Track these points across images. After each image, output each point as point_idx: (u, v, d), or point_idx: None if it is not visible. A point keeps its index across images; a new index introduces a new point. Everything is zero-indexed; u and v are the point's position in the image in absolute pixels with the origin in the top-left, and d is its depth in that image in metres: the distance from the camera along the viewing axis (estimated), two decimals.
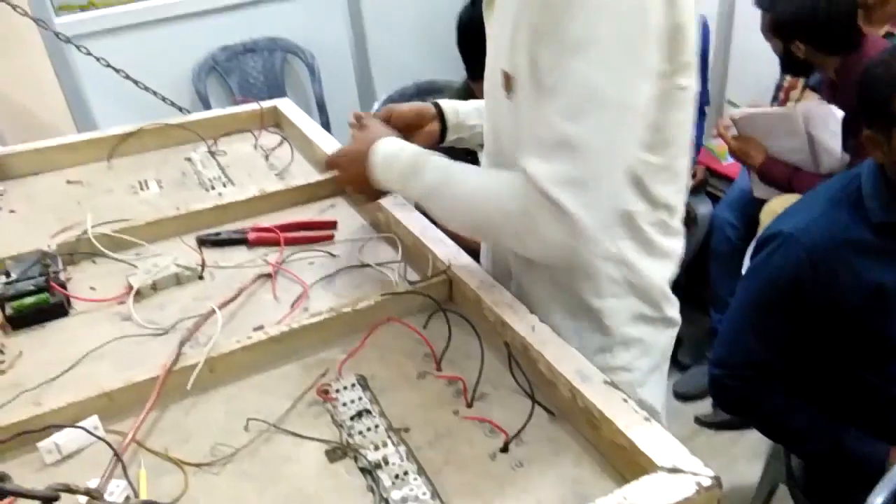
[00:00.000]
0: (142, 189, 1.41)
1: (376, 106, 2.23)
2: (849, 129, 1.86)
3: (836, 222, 1.28)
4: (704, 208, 2.37)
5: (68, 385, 0.90)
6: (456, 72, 1.95)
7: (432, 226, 1.14)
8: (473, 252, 1.11)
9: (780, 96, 2.34)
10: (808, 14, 1.82)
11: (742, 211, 2.24)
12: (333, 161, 1.13)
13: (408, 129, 1.12)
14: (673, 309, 1.04)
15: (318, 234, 1.19)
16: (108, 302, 1.07)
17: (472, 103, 1.18)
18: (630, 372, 1.02)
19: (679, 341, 1.12)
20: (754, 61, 2.65)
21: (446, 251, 1.07)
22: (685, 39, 0.80)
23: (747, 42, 2.68)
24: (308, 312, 1.02)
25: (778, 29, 1.92)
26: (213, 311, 1.00)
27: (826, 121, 1.88)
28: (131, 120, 1.70)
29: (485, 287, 0.97)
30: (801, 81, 2.27)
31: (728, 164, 2.51)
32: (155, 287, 1.09)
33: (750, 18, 2.61)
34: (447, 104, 1.17)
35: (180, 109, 1.63)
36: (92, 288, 1.11)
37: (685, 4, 0.78)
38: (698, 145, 2.45)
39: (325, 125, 3.03)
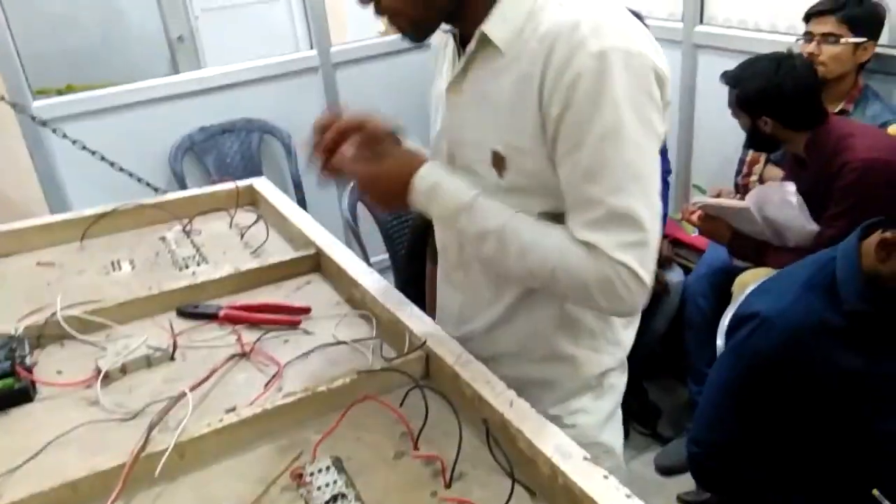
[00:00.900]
0: (114, 269, 1.40)
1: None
2: (817, 201, 1.91)
3: (811, 307, 1.30)
4: (676, 278, 2.39)
5: (31, 475, 0.87)
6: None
7: (409, 302, 1.14)
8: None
9: (744, 170, 2.41)
10: (774, 90, 1.89)
11: (713, 281, 2.27)
12: (365, 181, 0.99)
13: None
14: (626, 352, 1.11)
15: (288, 318, 1.18)
16: (74, 386, 1.04)
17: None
18: (591, 415, 1.08)
19: (658, 413, 1.14)
20: (717, 136, 2.75)
21: (423, 327, 1.06)
22: (666, 114, 0.90)
23: (710, 117, 2.79)
24: (282, 392, 1.00)
25: (745, 105, 1.97)
26: (184, 394, 0.97)
27: (783, 201, 1.93)
28: (106, 201, 1.69)
29: (462, 362, 0.97)
30: (763, 156, 2.35)
31: (695, 235, 2.56)
32: (124, 370, 1.07)
33: (712, 93, 2.73)
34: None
35: (155, 190, 1.63)
36: (59, 372, 1.08)
37: (668, 85, 0.87)
38: (664, 215, 2.50)
39: (301, 202, 3.05)
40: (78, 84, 2.79)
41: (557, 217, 0.91)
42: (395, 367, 0.98)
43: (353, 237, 2.18)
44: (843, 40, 2.06)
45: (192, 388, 0.99)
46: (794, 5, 2.24)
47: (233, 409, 0.96)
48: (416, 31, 0.94)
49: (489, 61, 0.91)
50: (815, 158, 1.89)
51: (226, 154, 2.93)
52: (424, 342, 1.01)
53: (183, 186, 2.81)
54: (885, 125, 2.05)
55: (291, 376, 1.05)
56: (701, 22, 2.72)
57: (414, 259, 2.01)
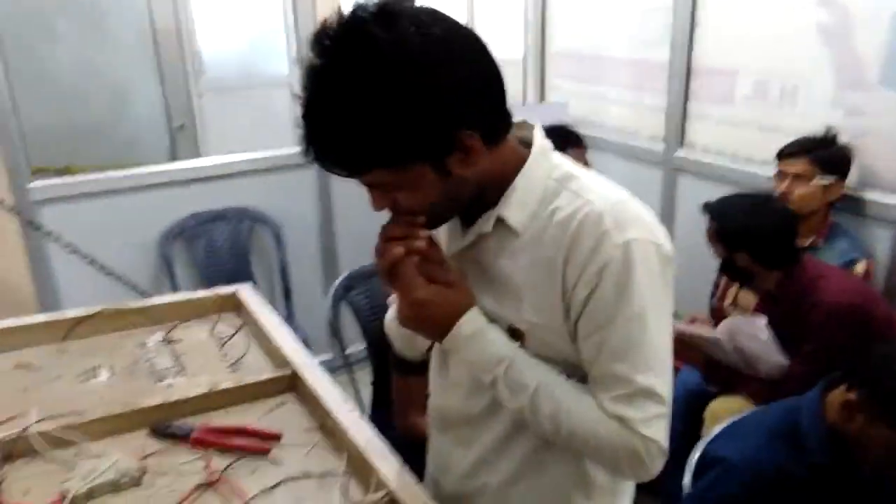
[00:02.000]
0: (92, 377, 1.41)
1: (336, 283, 2.29)
2: (787, 336, 1.96)
3: (774, 456, 1.34)
4: None
5: None
6: None
7: (378, 437, 1.16)
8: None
9: (718, 293, 2.48)
10: (754, 229, 1.95)
11: (687, 402, 2.29)
12: (415, 301, 0.95)
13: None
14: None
15: (259, 444, 1.20)
16: None
17: None
18: None
19: None
20: (694, 257, 2.84)
21: (390, 468, 1.08)
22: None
23: (687, 238, 2.88)
24: None
25: (724, 238, 2.04)
26: None
27: (753, 334, 1.98)
28: (98, 294, 1.73)
29: None
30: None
31: None
32: (90, 495, 1.08)
33: (690, 214, 2.83)
34: None
35: (141, 293, 1.66)
36: (26, 492, 1.08)
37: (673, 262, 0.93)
38: None
39: (287, 290, 3.09)
40: (76, 165, 2.85)
41: (576, 377, 0.95)
42: None
43: (335, 337, 2.21)
44: (813, 182, 2.16)
45: None
46: (769, 140, 2.36)
47: None
48: (432, 224, 0.96)
49: (503, 241, 0.95)
50: (787, 296, 1.95)
51: (215, 240, 2.98)
52: (388, 491, 1.03)
53: (170, 270, 2.85)
54: (853, 262, 2.13)
55: None
56: (681, 146, 2.84)
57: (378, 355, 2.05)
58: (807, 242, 2.24)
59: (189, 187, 2.91)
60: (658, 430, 0.90)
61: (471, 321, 0.95)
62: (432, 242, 0.97)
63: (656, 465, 0.92)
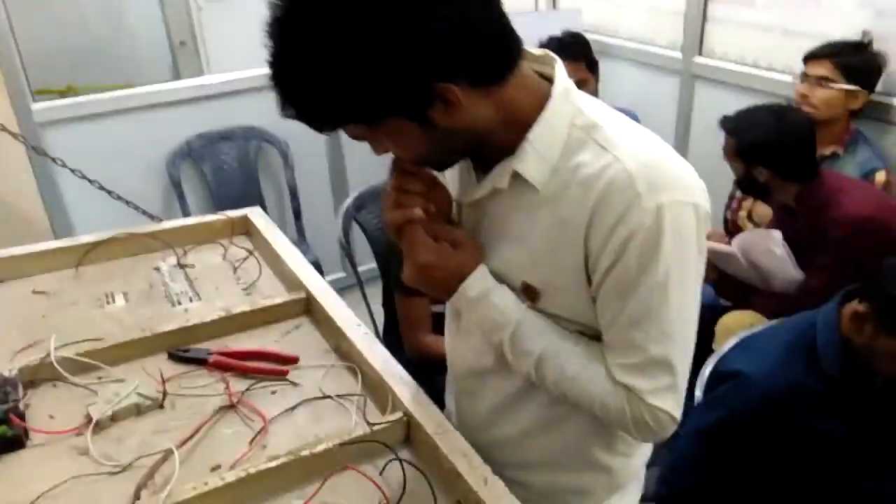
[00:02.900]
0: (108, 302, 1.42)
1: (347, 202, 2.27)
2: (804, 250, 1.94)
3: (790, 370, 1.34)
4: None
5: None
6: None
7: (394, 360, 1.17)
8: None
9: (734, 205, 2.45)
10: (773, 141, 1.89)
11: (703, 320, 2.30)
12: (422, 264, 0.92)
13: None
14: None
15: (276, 367, 1.21)
16: (66, 434, 1.07)
17: None
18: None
19: None
20: (710, 166, 2.78)
21: (406, 390, 1.10)
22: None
23: (703, 147, 2.82)
24: (266, 451, 1.03)
25: (742, 153, 1.97)
26: (171, 451, 1.01)
27: (767, 248, 1.96)
28: (109, 220, 1.72)
29: (442, 432, 1.00)
30: None
31: None
32: (114, 418, 1.10)
33: (707, 123, 2.76)
34: None
35: (151, 217, 1.65)
36: (51, 416, 1.11)
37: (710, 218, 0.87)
38: None
39: (297, 210, 3.08)
40: (78, 85, 2.80)
41: (590, 335, 0.93)
42: (377, 439, 1.01)
43: (347, 257, 2.21)
44: (834, 85, 2.09)
45: (179, 445, 1.02)
46: (792, 46, 2.27)
47: (218, 467, 1.00)
48: (436, 168, 0.93)
49: (521, 197, 0.88)
50: (805, 210, 1.92)
51: (223, 161, 2.95)
52: (406, 411, 1.04)
53: (179, 192, 2.84)
54: (872, 171, 2.08)
55: (276, 432, 1.08)
56: (700, 53, 2.74)
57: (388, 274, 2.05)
58: (827, 151, 2.18)
59: (194, 106, 2.85)
60: (667, 400, 0.88)
61: (476, 283, 0.92)
62: (443, 195, 0.94)
63: (667, 432, 0.91)
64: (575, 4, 3.28)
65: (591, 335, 0.92)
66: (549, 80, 0.87)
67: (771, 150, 1.90)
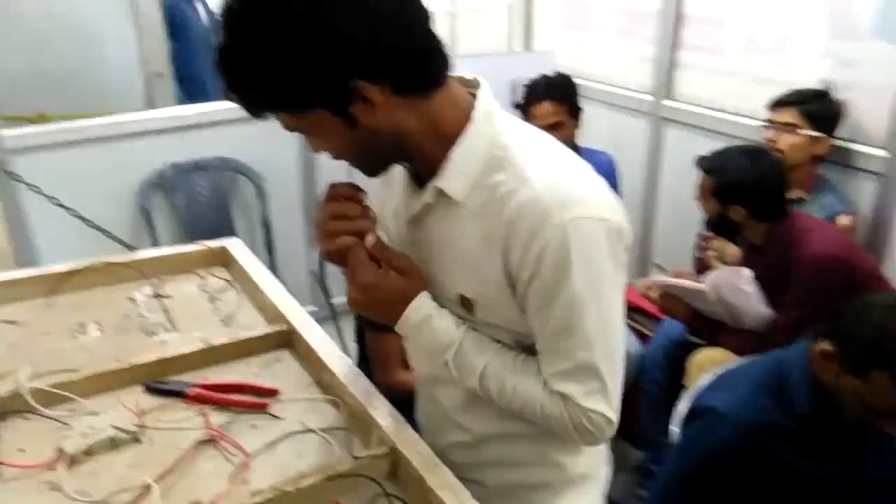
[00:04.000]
0: (81, 333, 1.39)
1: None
2: (773, 287, 1.99)
3: (764, 408, 1.37)
4: (633, 348, 2.46)
5: None
6: None
7: (378, 393, 1.16)
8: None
9: (703, 245, 2.50)
10: (750, 181, 1.95)
11: (670, 354, 2.33)
12: (365, 286, 0.96)
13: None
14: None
15: (257, 400, 1.19)
16: (38, 468, 1.03)
17: None
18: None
19: (609, 476, 1.19)
20: (678, 207, 2.85)
21: (392, 423, 1.09)
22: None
23: (672, 188, 2.89)
24: (248, 486, 1.01)
25: (718, 192, 2.01)
26: (150, 486, 0.98)
27: (737, 286, 2.00)
28: (75, 246, 1.69)
29: (429, 466, 0.99)
30: None
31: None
32: (89, 452, 1.06)
33: (676, 165, 2.83)
34: None
35: (127, 247, 1.62)
36: (21, 450, 1.07)
37: (628, 233, 0.93)
38: None
39: (269, 243, 3.05)
40: (50, 113, 2.76)
41: (527, 344, 0.98)
42: (362, 473, 1.00)
43: (322, 290, 2.20)
44: (800, 131, 2.17)
45: (158, 480, 0.99)
46: (757, 92, 2.35)
47: None
48: (367, 173, 0.98)
49: (448, 210, 0.95)
50: (774, 249, 1.98)
51: (196, 192, 2.92)
52: (393, 445, 1.03)
53: (149, 222, 2.80)
54: (835, 215, 2.16)
55: (258, 468, 1.06)
56: (669, 97, 2.82)
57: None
58: (793, 196, 2.25)
59: (168, 136, 2.84)
60: (599, 403, 0.94)
61: (418, 309, 0.97)
62: (372, 222, 0.99)
63: (606, 433, 0.96)
64: (548, 47, 3.36)
65: (529, 344, 0.98)
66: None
67: (748, 190, 1.95)
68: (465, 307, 0.98)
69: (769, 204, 1.97)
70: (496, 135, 0.92)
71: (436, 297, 1.00)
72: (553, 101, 2.41)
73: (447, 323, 0.98)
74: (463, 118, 0.92)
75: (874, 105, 2.18)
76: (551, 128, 2.37)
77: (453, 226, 0.95)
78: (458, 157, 0.92)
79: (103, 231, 1.62)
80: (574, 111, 2.47)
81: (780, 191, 1.97)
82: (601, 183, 0.93)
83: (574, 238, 0.86)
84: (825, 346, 1.35)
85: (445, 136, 0.92)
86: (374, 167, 0.98)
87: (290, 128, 0.91)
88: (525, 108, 2.47)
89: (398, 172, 1.04)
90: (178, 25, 3.31)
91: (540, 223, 0.86)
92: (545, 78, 2.51)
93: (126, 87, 3.00)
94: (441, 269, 0.99)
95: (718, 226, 2.10)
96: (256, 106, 0.88)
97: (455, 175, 0.92)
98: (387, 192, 1.11)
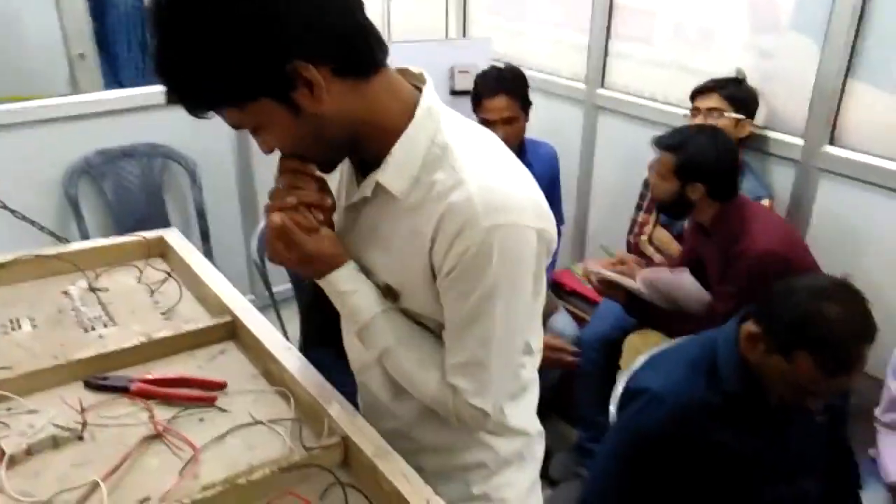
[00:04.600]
0: (13, 328, 1.34)
1: (262, 224, 2.24)
2: (712, 272, 2.06)
3: (695, 386, 1.43)
4: (570, 330, 2.53)
5: None
6: None
7: (327, 383, 1.17)
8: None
9: (636, 230, 2.59)
10: (712, 158, 1.98)
11: (606, 335, 2.41)
12: (276, 249, 0.99)
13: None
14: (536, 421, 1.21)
15: (204, 393, 1.18)
16: None
17: None
18: (515, 486, 1.17)
19: (549, 455, 1.24)
20: (612, 192, 2.94)
21: (342, 412, 1.10)
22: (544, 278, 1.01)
23: (606, 173, 2.97)
24: (198, 481, 1.00)
25: (680, 169, 2.01)
26: (97, 484, 0.96)
27: (669, 283, 2.08)
28: (2, 239, 1.61)
29: (381, 454, 1.01)
30: (652, 217, 2.54)
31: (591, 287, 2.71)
32: (30, 451, 1.04)
33: (609, 151, 2.91)
34: None
35: (58, 238, 1.57)
36: None
37: (552, 239, 0.97)
38: (552, 263, 2.60)
39: (205, 232, 2.99)
40: None
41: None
42: (314, 463, 1.01)
43: (262, 279, 2.17)
44: (726, 114, 2.27)
45: (105, 478, 0.98)
46: (686, 82, 2.44)
47: (147, 500, 0.96)
48: (322, 167, 0.99)
49: (385, 203, 0.97)
50: (719, 231, 2.02)
51: (125, 179, 2.83)
52: (345, 435, 1.04)
53: (77, 211, 2.70)
54: (758, 199, 2.27)
55: (208, 461, 1.05)
56: (602, 86, 2.90)
57: (315, 310, 2.03)
58: None
59: (94, 121, 2.74)
60: (485, 401, 0.99)
61: (343, 278, 1.00)
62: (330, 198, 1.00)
63: (484, 426, 1.04)
64: (485, 34, 3.39)
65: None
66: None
67: (709, 168, 1.97)
68: (390, 296, 1.01)
69: (725, 182, 2.00)
70: (438, 132, 0.93)
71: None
72: (507, 95, 2.38)
73: (367, 301, 1.01)
74: (406, 112, 0.93)
75: (792, 95, 2.30)
76: (505, 122, 2.37)
77: (387, 218, 0.97)
78: (399, 153, 0.93)
79: (32, 222, 1.56)
80: (525, 105, 2.45)
81: (735, 170, 2.02)
82: (534, 187, 0.95)
83: (497, 242, 0.88)
84: (752, 327, 1.43)
85: (388, 129, 0.93)
86: (326, 160, 0.98)
87: (237, 125, 0.90)
88: (476, 100, 2.43)
89: (345, 166, 1.05)
90: (102, 3, 3.18)
91: (467, 225, 0.88)
92: (497, 70, 2.48)
93: (48, 69, 2.87)
94: (370, 258, 1.02)
95: (672, 205, 2.10)
96: (201, 105, 0.87)
97: (394, 170, 0.93)
98: (330, 179, 1.11)
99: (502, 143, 1.01)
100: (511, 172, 0.95)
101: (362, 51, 0.89)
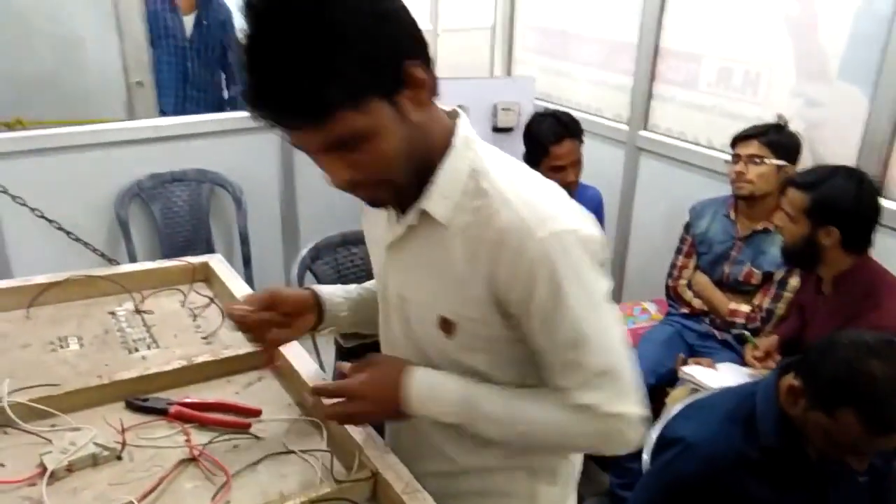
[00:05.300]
0: (61, 346, 1.39)
1: (303, 252, 2.28)
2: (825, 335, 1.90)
3: (731, 438, 1.40)
4: None
5: None
6: None
7: None
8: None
9: (675, 274, 2.56)
10: (852, 203, 1.80)
11: (647, 385, 2.38)
12: (351, 390, 1.03)
13: (285, 318, 1.14)
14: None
15: (239, 419, 1.20)
16: (18, 483, 1.03)
17: (341, 291, 1.23)
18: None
19: (580, 500, 1.22)
20: (651, 233, 2.92)
21: (374, 447, 1.10)
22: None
23: (646, 215, 2.95)
24: None
25: (814, 210, 1.84)
26: None
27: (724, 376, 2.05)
28: (50, 257, 1.67)
29: (410, 492, 1.01)
30: (692, 262, 2.51)
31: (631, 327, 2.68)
32: (70, 468, 1.07)
33: (649, 193, 2.90)
34: (325, 294, 1.20)
35: (109, 260, 1.62)
36: (1, 464, 1.07)
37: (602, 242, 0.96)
38: None
39: (247, 257, 3.05)
40: (27, 119, 2.74)
41: (505, 371, 1.00)
42: (344, 495, 1.02)
43: None
44: (768, 161, 2.25)
45: (140, 499, 1.00)
46: (730, 127, 2.43)
47: None
48: (381, 198, 0.97)
49: (432, 231, 0.96)
50: (843, 291, 1.88)
51: (173, 203, 2.92)
52: (376, 470, 1.05)
53: (126, 233, 2.78)
54: None
55: (239, 487, 1.07)
56: (645, 128, 2.90)
57: (350, 336, 2.05)
58: (759, 227, 2.34)
59: (147, 147, 2.84)
60: (624, 404, 0.94)
61: (419, 380, 1.00)
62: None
63: (637, 434, 0.96)
64: (529, 72, 3.43)
65: (506, 369, 1.00)
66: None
67: (847, 212, 1.80)
68: (444, 329, 0.99)
69: (863, 230, 1.83)
70: (476, 159, 0.95)
71: (416, 319, 1.02)
72: (572, 139, 2.43)
73: (451, 380, 0.99)
74: (445, 141, 0.95)
75: (837, 142, 2.27)
76: (571, 165, 2.42)
77: (438, 247, 0.96)
78: (440, 180, 0.94)
79: (85, 244, 1.62)
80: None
81: (874, 218, 1.83)
82: (567, 197, 0.97)
83: (557, 250, 0.89)
84: (793, 380, 1.40)
85: (432, 156, 0.94)
86: (395, 186, 0.93)
87: (336, 141, 0.84)
88: (542, 146, 2.42)
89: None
90: (159, 35, 3.32)
91: (523, 241, 0.88)
92: (552, 118, 2.48)
93: (107, 95, 2.99)
94: (422, 292, 1.00)
95: (799, 252, 1.91)
96: (312, 108, 0.80)
97: (437, 197, 0.94)
98: (368, 222, 1.13)
99: (527, 167, 1.01)
100: (544, 187, 0.96)
101: (433, 69, 0.89)
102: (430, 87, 0.87)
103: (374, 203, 0.98)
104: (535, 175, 0.99)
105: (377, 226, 1.08)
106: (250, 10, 0.79)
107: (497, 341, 0.98)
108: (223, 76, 3.67)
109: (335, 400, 1.04)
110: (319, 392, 1.06)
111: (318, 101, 0.79)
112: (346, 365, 1.07)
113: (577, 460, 1.17)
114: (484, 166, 0.95)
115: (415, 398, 1.00)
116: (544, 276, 0.89)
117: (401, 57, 0.83)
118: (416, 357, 1.05)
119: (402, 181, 0.93)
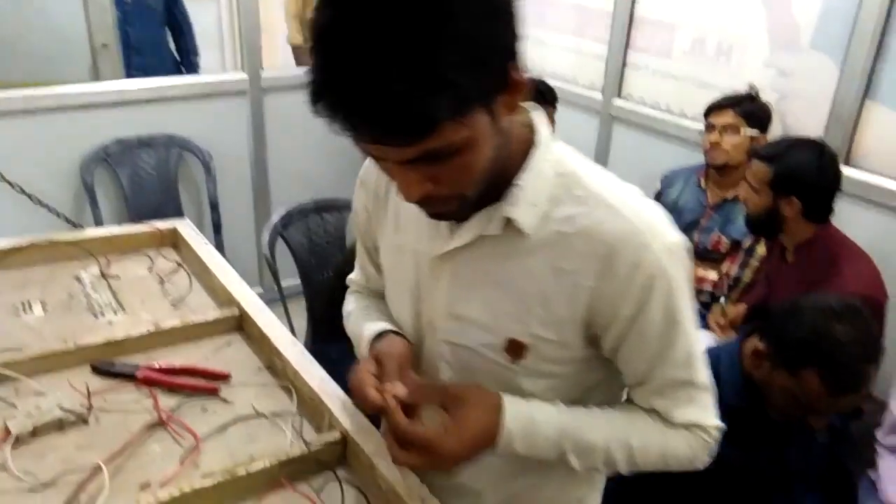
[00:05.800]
0: (25, 311, 1.36)
1: (274, 219, 2.26)
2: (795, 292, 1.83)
3: None
4: None
5: None
6: (352, 190, 2.03)
7: (329, 378, 1.18)
8: None
9: None
10: (813, 173, 1.84)
11: None
12: (438, 446, 0.83)
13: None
14: None
15: (207, 384, 1.20)
16: None
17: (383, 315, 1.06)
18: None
19: None
20: None
21: (343, 409, 1.11)
22: None
23: None
24: (199, 469, 1.02)
25: (777, 181, 1.87)
26: (100, 468, 0.98)
27: None
28: (14, 223, 1.64)
29: (380, 453, 1.02)
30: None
31: None
32: (35, 433, 1.06)
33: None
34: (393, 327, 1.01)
35: (73, 224, 1.59)
36: None
37: None
38: None
39: (217, 223, 3.01)
40: None
41: (573, 397, 0.92)
42: (314, 456, 1.02)
43: (271, 273, 2.19)
44: (743, 130, 2.27)
45: (108, 462, 1.00)
46: (703, 96, 2.44)
47: (148, 485, 0.98)
48: (462, 211, 0.83)
49: (511, 244, 0.84)
50: (805, 260, 1.92)
51: (141, 169, 2.86)
52: (346, 431, 1.06)
53: (92, 198, 2.73)
54: None
55: (208, 450, 1.07)
56: (619, 96, 2.90)
57: (328, 304, 2.05)
58: (729, 196, 2.36)
59: (113, 111, 2.77)
60: (716, 415, 0.94)
61: (515, 416, 0.87)
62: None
63: (718, 441, 0.96)
64: None
65: (572, 388, 0.92)
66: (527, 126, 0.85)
67: (808, 183, 1.84)
68: (511, 353, 0.88)
69: (823, 200, 1.86)
70: (559, 161, 0.84)
71: (470, 341, 0.91)
72: (549, 106, 2.45)
73: (546, 409, 0.89)
74: (523, 143, 0.84)
75: (809, 114, 2.29)
76: None
77: (510, 261, 0.85)
78: (527, 186, 0.82)
79: (48, 207, 1.58)
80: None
81: (834, 189, 1.86)
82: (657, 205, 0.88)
83: (673, 264, 0.82)
84: (757, 343, 1.43)
85: (510, 163, 0.82)
86: (465, 199, 0.79)
87: (430, 155, 0.70)
88: None
89: (406, 206, 0.87)
90: None
91: (640, 254, 0.80)
92: (531, 84, 2.49)
93: (71, 57, 2.91)
94: (487, 311, 0.88)
95: (761, 221, 1.96)
96: (418, 123, 0.65)
97: (524, 204, 0.82)
98: (388, 225, 0.99)
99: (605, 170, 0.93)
100: (636, 191, 0.86)
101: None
102: (526, 89, 0.74)
103: (440, 217, 0.84)
104: (617, 178, 0.88)
105: (406, 231, 0.95)
106: (335, 19, 0.64)
107: (569, 364, 0.89)
108: (168, 35, 3.52)
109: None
110: (397, 435, 0.84)
111: (423, 115, 0.65)
112: (401, 389, 0.87)
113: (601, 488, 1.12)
114: (571, 168, 0.84)
115: (516, 441, 0.87)
116: (661, 292, 0.82)
117: (507, 59, 0.71)
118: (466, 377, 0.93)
119: (474, 193, 0.79)
